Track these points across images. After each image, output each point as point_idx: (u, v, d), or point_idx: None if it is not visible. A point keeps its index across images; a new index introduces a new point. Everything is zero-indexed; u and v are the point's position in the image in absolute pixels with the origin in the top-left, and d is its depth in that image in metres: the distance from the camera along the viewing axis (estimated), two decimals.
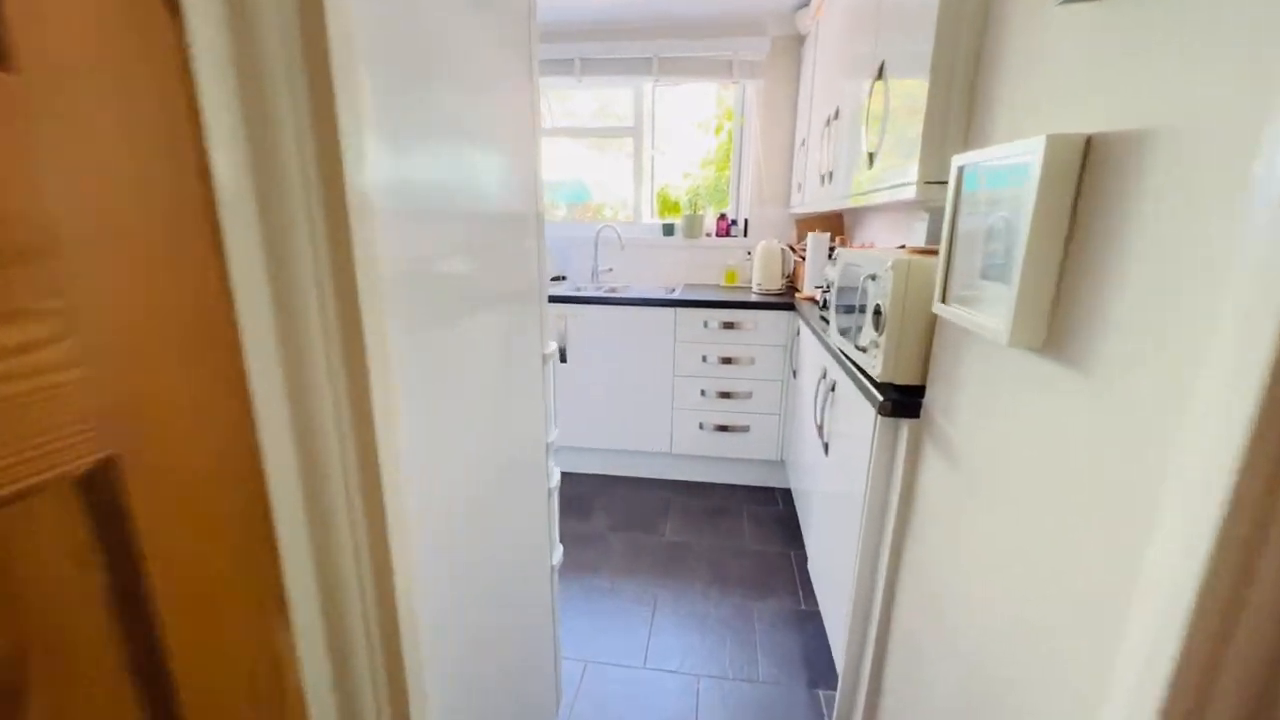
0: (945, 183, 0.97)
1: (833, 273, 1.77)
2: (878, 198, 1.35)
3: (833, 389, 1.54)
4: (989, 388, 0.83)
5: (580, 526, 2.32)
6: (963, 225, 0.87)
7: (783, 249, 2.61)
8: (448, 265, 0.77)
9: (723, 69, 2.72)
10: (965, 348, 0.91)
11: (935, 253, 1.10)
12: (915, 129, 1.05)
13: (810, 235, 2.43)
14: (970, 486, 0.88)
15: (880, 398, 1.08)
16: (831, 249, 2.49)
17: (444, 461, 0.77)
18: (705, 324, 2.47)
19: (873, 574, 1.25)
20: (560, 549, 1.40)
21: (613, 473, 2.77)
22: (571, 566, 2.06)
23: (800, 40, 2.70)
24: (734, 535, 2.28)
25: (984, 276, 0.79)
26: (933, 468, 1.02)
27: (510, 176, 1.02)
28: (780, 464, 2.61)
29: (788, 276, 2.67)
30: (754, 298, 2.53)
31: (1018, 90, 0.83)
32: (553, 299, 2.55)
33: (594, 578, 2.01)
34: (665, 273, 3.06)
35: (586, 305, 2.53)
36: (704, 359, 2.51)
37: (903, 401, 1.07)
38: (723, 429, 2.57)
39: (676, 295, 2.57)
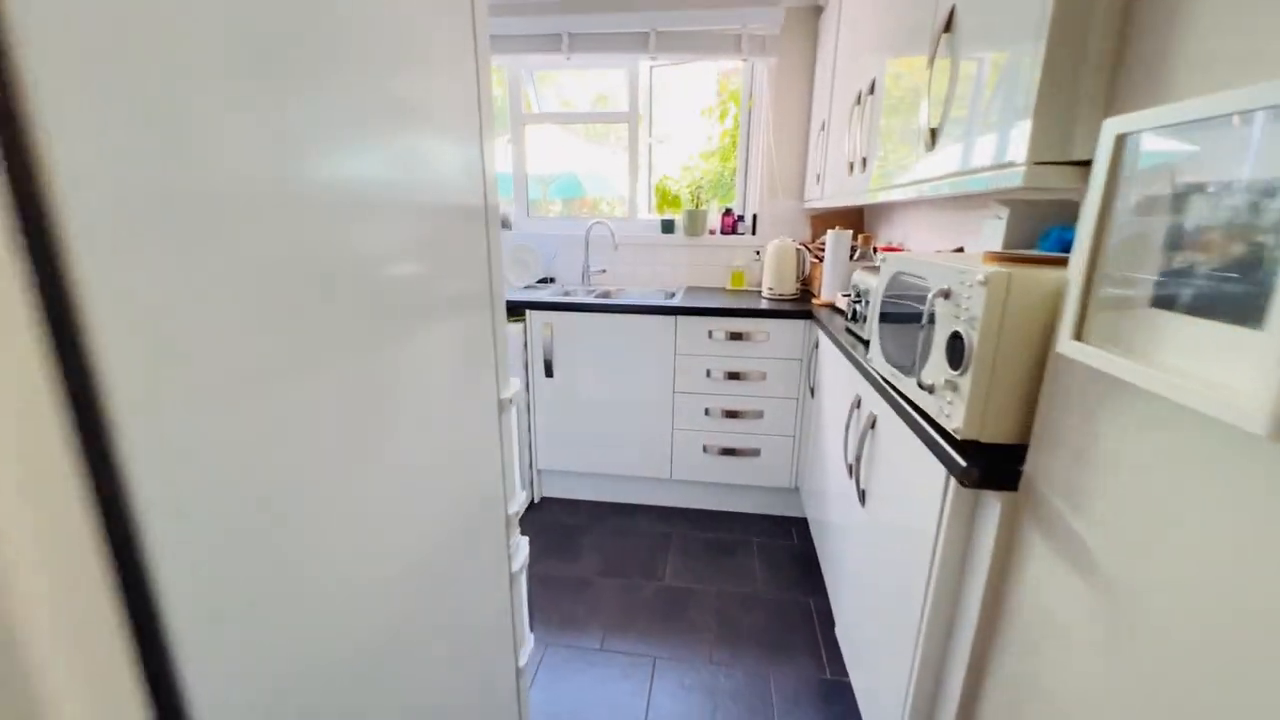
0: (1075, 163, 0.67)
1: (870, 280, 1.47)
2: (942, 187, 1.05)
3: (872, 425, 1.24)
4: (1176, 481, 0.53)
5: (566, 569, 2.02)
6: (1123, 222, 0.57)
7: (797, 248, 2.30)
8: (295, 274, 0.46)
9: (729, 44, 2.41)
10: (1114, 409, 0.61)
11: (1037, 262, 0.80)
12: (1021, 93, 0.75)
13: (830, 233, 2.12)
14: (1119, 612, 0.58)
15: (961, 462, 0.78)
16: (854, 249, 2.19)
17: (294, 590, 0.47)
18: (710, 334, 2.16)
19: (937, 681, 0.95)
20: (530, 641, 1.10)
21: (605, 499, 2.48)
22: (555, 621, 1.77)
23: (818, 10, 2.39)
24: (744, 578, 1.98)
25: (1187, 307, 0.49)
26: (1044, 566, 0.72)
27: (441, 160, 0.72)
28: (794, 491, 2.32)
29: (803, 280, 2.37)
30: (765, 304, 2.23)
31: (1223, 24, 0.53)
32: (535, 305, 2.24)
33: (581, 635, 1.72)
34: (664, 274, 2.76)
35: (574, 313, 2.22)
36: (708, 374, 2.21)
37: (993, 470, 0.77)
38: (729, 452, 2.27)
39: (677, 301, 2.27)
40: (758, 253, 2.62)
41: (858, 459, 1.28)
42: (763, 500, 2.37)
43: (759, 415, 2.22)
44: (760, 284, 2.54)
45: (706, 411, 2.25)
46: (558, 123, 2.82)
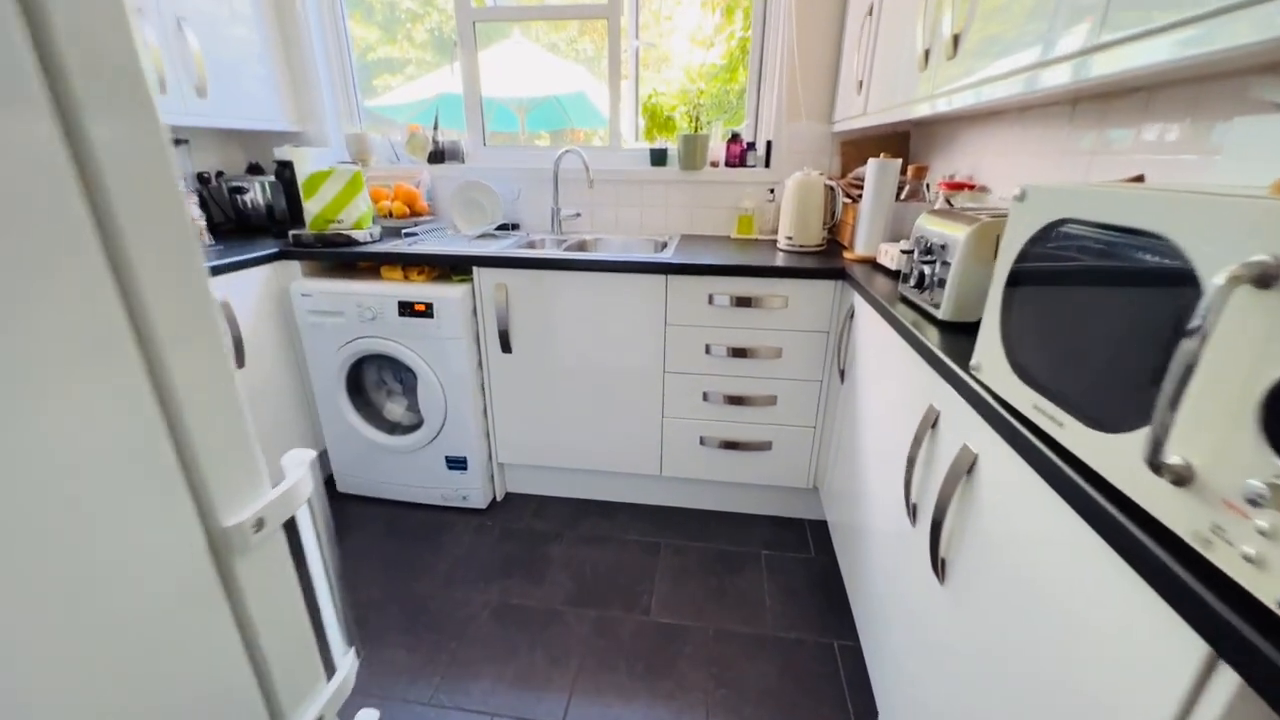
0: None
1: (950, 232, 0.97)
2: (1138, 54, 0.53)
3: (969, 470, 0.77)
4: None
5: (529, 594, 1.62)
6: None
7: (827, 185, 1.76)
8: None
9: None
10: None
11: None
12: None
13: (872, 163, 1.58)
14: None
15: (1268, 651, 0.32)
16: (902, 185, 1.65)
17: None
18: (710, 299, 1.66)
19: None
20: None
21: (582, 495, 2.05)
22: (508, 678, 1.37)
23: None
24: (750, 608, 1.57)
25: None
26: None
27: None
28: (812, 491, 1.88)
29: (832, 226, 1.84)
30: (781, 259, 1.72)
31: None
32: (483, 261, 1.73)
33: (540, 699, 1.32)
34: (654, 219, 2.22)
35: (535, 270, 1.71)
36: (707, 349, 1.72)
37: None
38: (732, 446, 1.82)
39: (669, 255, 1.75)
40: (772, 191, 2.08)
41: (938, 516, 0.82)
42: (773, 500, 1.94)
43: (771, 401, 1.76)
44: (775, 232, 2.01)
45: (705, 396, 1.78)
46: (514, 19, 2.20)
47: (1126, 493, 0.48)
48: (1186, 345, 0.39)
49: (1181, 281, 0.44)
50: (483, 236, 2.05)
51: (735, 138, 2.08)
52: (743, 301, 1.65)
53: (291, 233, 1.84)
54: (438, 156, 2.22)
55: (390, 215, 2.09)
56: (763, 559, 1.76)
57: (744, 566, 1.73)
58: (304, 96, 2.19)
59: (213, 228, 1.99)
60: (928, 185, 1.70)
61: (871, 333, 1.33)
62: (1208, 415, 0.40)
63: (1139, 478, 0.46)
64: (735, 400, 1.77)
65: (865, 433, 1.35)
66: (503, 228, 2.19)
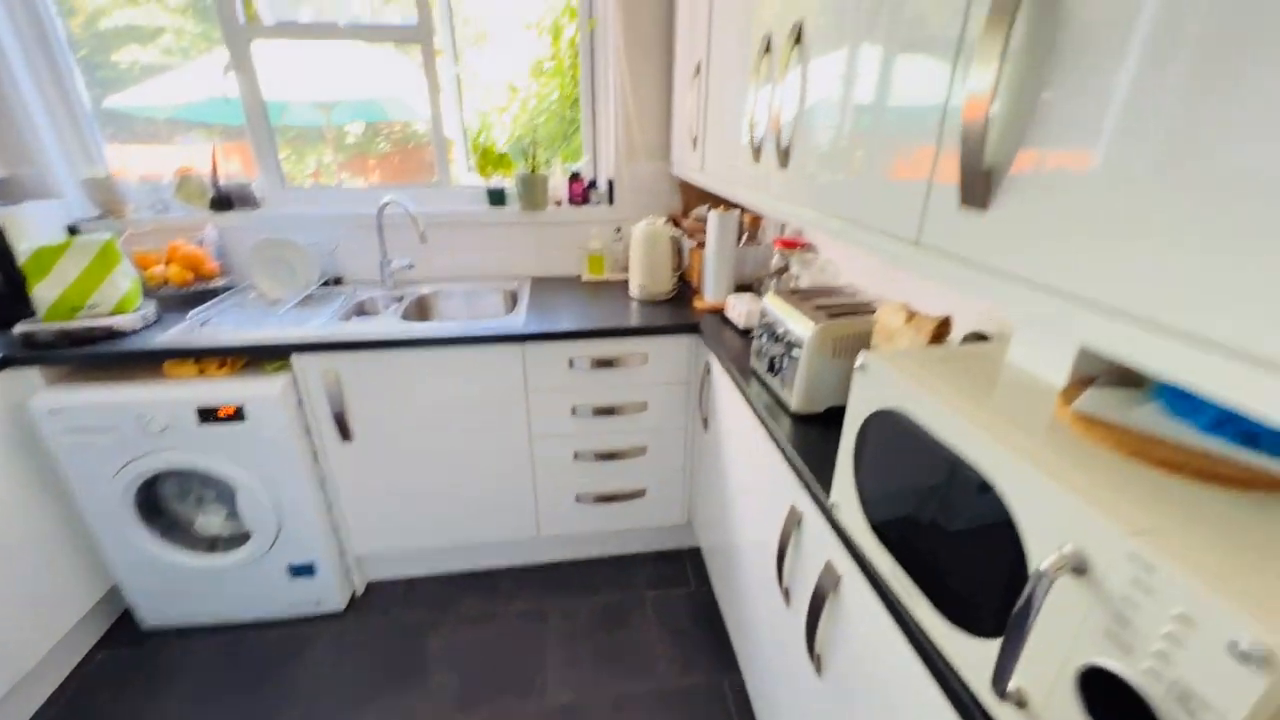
0: None
1: (798, 327, 1.03)
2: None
3: (836, 586, 0.84)
4: None
5: (408, 709, 1.48)
6: None
7: (673, 237, 1.79)
8: None
9: None
10: None
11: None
12: None
13: (713, 216, 1.63)
14: None
15: None
16: (742, 231, 1.74)
17: None
18: (570, 363, 1.62)
19: None
20: None
21: (455, 569, 1.92)
22: None
23: None
24: (644, 659, 1.61)
25: None
26: None
27: None
28: (686, 526, 1.97)
29: (682, 271, 1.88)
30: (635, 311, 1.72)
31: None
32: (304, 347, 1.49)
33: None
34: (499, 261, 2.08)
35: (368, 351, 1.52)
36: (573, 411, 1.68)
37: None
38: (608, 499, 1.83)
39: (520, 320, 1.66)
40: (619, 230, 2.06)
41: (811, 618, 0.89)
42: (651, 537, 1.99)
43: (641, 451, 1.78)
44: (625, 269, 2.01)
45: (575, 455, 1.75)
46: (299, 37, 1.88)
47: (974, 691, 0.55)
48: (1020, 608, 0.45)
49: (1011, 538, 0.50)
50: (300, 304, 1.76)
51: (576, 177, 2.02)
52: (603, 363, 1.63)
53: (19, 329, 1.41)
54: (222, 203, 1.84)
55: (168, 284, 1.70)
56: (648, 602, 1.81)
57: (631, 614, 1.76)
58: (7, 128, 1.66)
59: None
60: (756, 231, 1.80)
61: (730, 398, 1.39)
62: (1042, 659, 0.47)
63: (985, 684, 0.52)
64: (607, 456, 1.76)
65: (732, 480, 1.42)
66: (328, 283, 1.90)
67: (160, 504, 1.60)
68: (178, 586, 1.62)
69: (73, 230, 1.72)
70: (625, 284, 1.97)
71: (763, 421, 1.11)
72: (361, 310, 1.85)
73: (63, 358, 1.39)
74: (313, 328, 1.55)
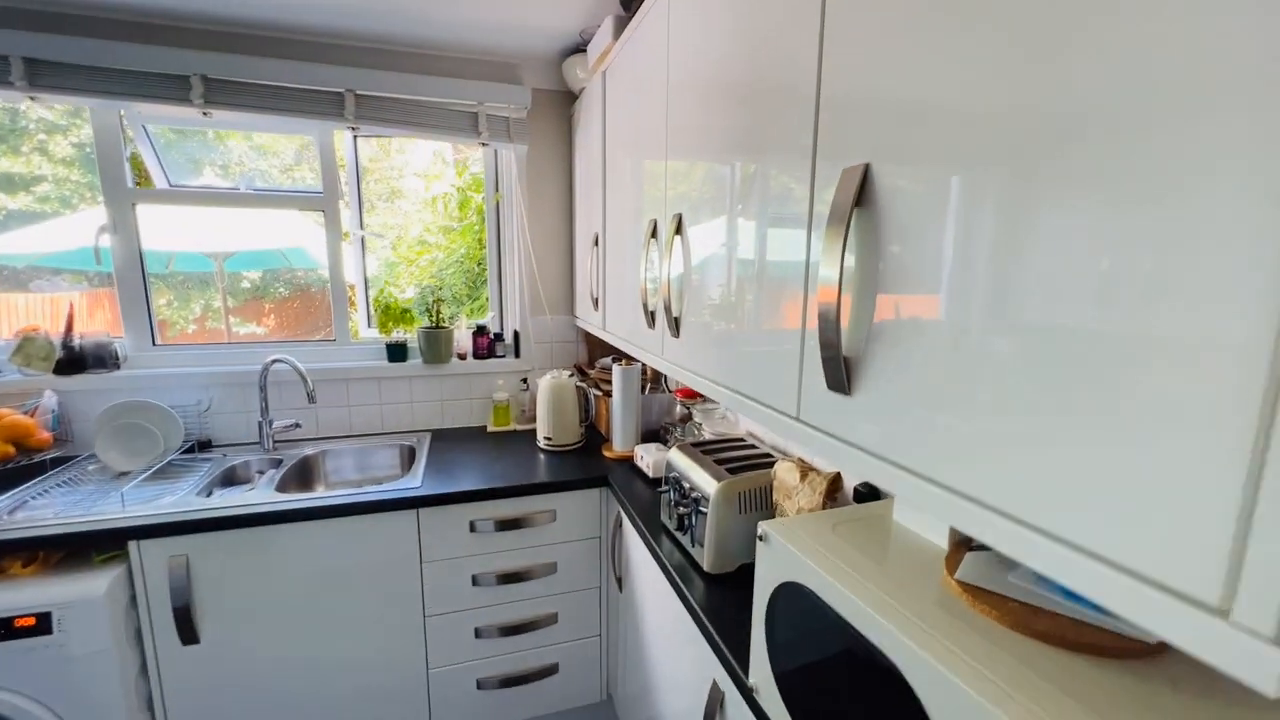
0: None
1: (703, 483, 1.03)
2: None
3: None
4: None
5: None
6: None
7: (579, 387, 1.81)
8: None
9: (464, 122, 1.86)
10: None
11: None
12: None
13: (617, 370, 1.69)
14: None
15: None
16: (645, 382, 1.80)
17: None
18: (472, 526, 1.50)
19: None
20: None
21: None
22: None
23: (573, 97, 2.01)
24: None
25: None
26: None
27: None
28: (606, 702, 1.76)
29: (588, 421, 1.88)
30: (543, 465, 1.67)
31: None
32: (144, 531, 1.27)
33: None
34: (398, 415, 1.99)
35: (229, 532, 1.32)
36: (474, 580, 1.53)
37: None
38: (515, 681, 1.61)
39: (416, 482, 1.55)
40: (525, 380, 2.07)
41: None
42: None
43: (552, 620, 1.62)
44: (533, 419, 1.98)
45: (477, 633, 1.56)
46: (194, 204, 1.86)
47: None
48: None
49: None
50: (155, 475, 1.53)
51: (482, 330, 2.04)
52: (508, 524, 1.53)
53: None
54: (73, 365, 1.65)
55: None
56: None
57: None
58: None
59: None
60: (660, 378, 1.88)
61: (643, 557, 1.33)
62: None
63: None
64: (513, 629, 1.58)
65: (652, 647, 1.30)
66: (189, 452, 1.69)
67: None
68: None
69: None
70: (532, 434, 1.93)
71: (676, 586, 1.06)
72: (231, 479, 1.65)
73: None
74: (161, 505, 1.34)
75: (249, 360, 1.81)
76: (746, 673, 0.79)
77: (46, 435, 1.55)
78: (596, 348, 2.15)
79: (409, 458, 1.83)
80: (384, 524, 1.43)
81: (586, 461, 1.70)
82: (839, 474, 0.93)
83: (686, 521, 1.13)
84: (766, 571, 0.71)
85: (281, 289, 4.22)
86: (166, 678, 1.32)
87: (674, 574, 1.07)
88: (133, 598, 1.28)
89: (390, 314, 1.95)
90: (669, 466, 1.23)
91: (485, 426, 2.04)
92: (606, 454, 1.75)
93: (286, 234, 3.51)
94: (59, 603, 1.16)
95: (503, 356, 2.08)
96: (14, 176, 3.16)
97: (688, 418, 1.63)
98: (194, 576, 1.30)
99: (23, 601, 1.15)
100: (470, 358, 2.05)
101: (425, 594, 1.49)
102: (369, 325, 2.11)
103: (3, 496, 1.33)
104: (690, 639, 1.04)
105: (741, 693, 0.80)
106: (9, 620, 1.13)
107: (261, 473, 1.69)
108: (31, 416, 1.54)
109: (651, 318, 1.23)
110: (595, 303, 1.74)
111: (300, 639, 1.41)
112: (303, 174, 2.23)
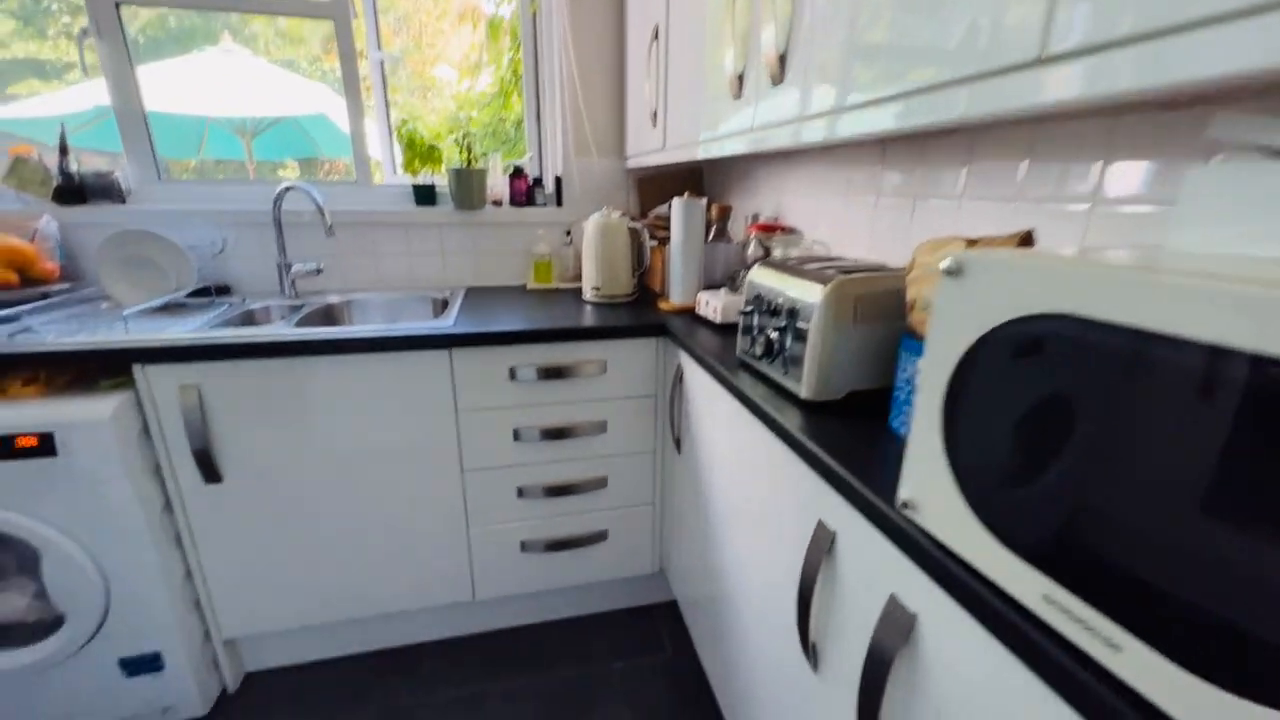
0: None
1: (805, 293, 0.78)
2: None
3: (907, 636, 0.56)
4: None
5: None
6: None
7: (632, 228, 1.55)
8: None
9: None
10: None
11: None
12: None
13: (677, 204, 1.41)
14: None
15: None
16: (709, 225, 1.52)
17: None
18: (512, 373, 1.31)
19: None
20: None
21: (366, 649, 1.50)
22: None
23: None
24: None
25: None
26: None
27: None
28: (658, 574, 1.63)
29: (641, 273, 1.64)
30: (591, 316, 1.45)
31: None
32: (147, 354, 1.13)
33: None
34: (428, 269, 1.79)
35: (241, 362, 1.17)
36: (516, 435, 1.36)
37: None
38: (561, 545, 1.48)
39: (449, 321, 1.36)
40: (568, 233, 1.81)
41: (867, 690, 0.60)
42: (615, 593, 1.64)
43: (600, 484, 1.46)
44: (578, 278, 1.75)
45: (520, 492, 1.42)
46: (181, 6, 1.60)
47: None
48: None
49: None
50: (165, 309, 1.39)
51: (519, 173, 1.78)
52: (553, 373, 1.33)
53: None
54: (73, 194, 1.48)
55: None
56: (615, 677, 1.44)
57: (596, 695, 1.39)
58: None
59: None
60: (725, 225, 1.60)
61: (711, 402, 1.12)
62: None
63: None
64: (559, 490, 1.43)
65: (718, 509, 1.12)
66: (202, 292, 1.54)
67: None
68: None
69: None
70: (577, 292, 1.71)
71: (763, 418, 0.84)
72: (249, 321, 1.50)
73: None
74: (167, 334, 1.19)
75: (266, 200, 1.61)
76: (879, 495, 0.57)
77: (52, 266, 1.42)
78: (651, 197, 1.86)
79: (440, 309, 1.64)
80: (414, 364, 1.25)
81: (640, 313, 1.47)
82: (1029, 232, 0.65)
83: (776, 346, 0.89)
84: (954, 329, 0.46)
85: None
86: (192, 514, 1.23)
87: (759, 406, 0.85)
88: (145, 429, 1.16)
89: (416, 150, 1.70)
90: (751, 288, 0.98)
91: (524, 285, 1.82)
92: (663, 306, 1.51)
93: (306, 100, 3.26)
94: (61, 423, 1.04)
95: (543, 205, 1.83)
96: (43, 63, 2.96)
97: (765, 256, 1.35)
98: (208, 410, 1.17)
99: (24, 421, 1.03)
100: (507, 204, 1.80)
101: (462, 447, 1.34)
102: (395, 171, 1.87)
103: (10, 311, 1.21)
104: (778, 483, 0.83)
105: (872, 518, 0.58)
106: (9, 439, 1.02)
107: (283, 318, 1.53)
108: (32, 245, 1.40)
109: (739, 82, 0.93)
110: (653, 119, 1.44)
111: (330, 487, 1.29)
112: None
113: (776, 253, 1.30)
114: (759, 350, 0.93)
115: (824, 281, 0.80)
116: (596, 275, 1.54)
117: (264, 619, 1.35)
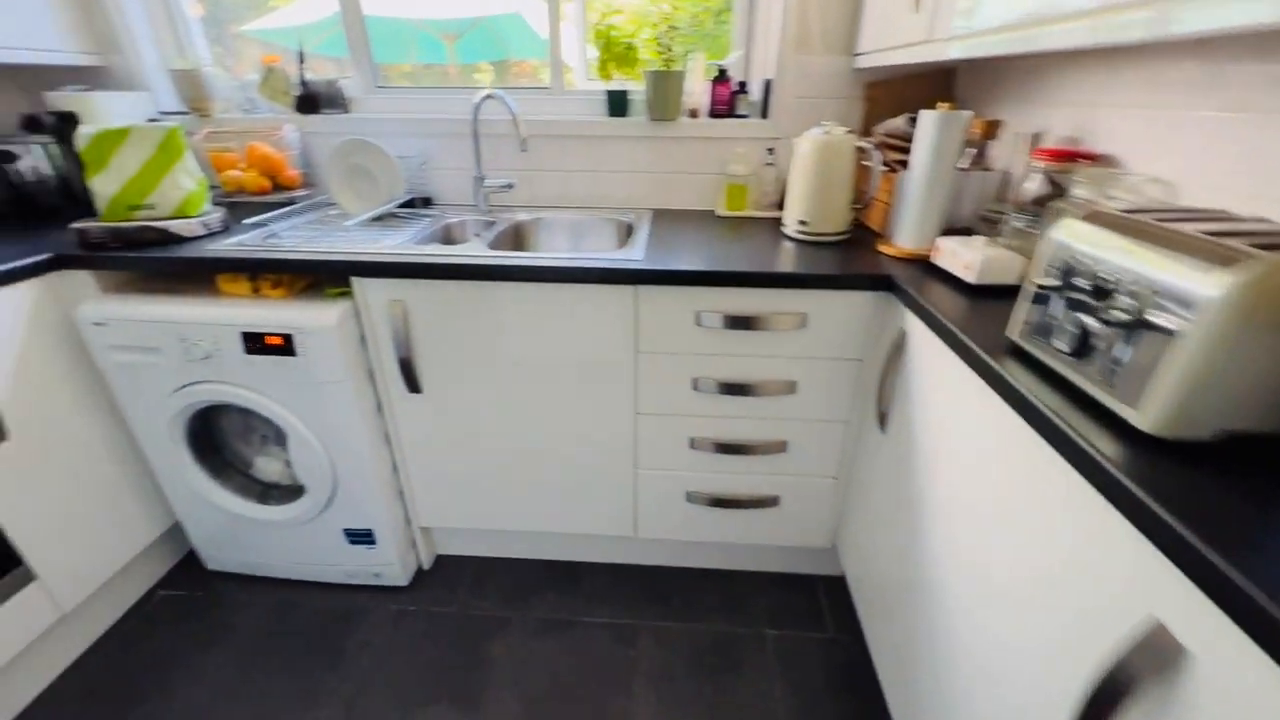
0: None
1: (1146, 263, 0.48)
2: None
3: None
4: None
5: None
6: None
7: (860, 147, 1.25)
8: None
9: None
10: None
11: None
12: None
13: (930, 117, 1.08)
14: None
15: None
16: (977, 148, 1.18)
17: None
18: (698, 318, 1.17)
19: None
20: None
21: (533, 556, 1.60)
22: None
23: None
24: None
25: None
26: None
27: None
28: (829, 551, 1.48)
29: (861, 205, 1.34)
30: (794, 256, 1.23)
31: None
32: (364, 268, 1.17)
33: None
34: (614, 186, 1.67)
35: (442, 282, 1.18)
36: (695, 384, 1.25)
37: None
38: (727, 504, 1.39)
39: (638, 254, 1.23)
40: (771, 150, 1.55)
41: None
42: (777, 557, 1.54)
43: (779, 448, 1.31)
44: (778, 205, 1.51)
45: (692, 443, 1.32)
46: None
47: None
48: None
49: None
50: (378, 220, 1.47)
51: (722, 76, 1.53)
52: (741, 321, 1.17)
53: (76, 225, 1.23)
54: (309, 103, 1.59)
55: (242, 191, 1.48)
56: (769, 644, 1.37)
57: (745, 658, 1.34)
58: (98, 13, 1.50)
59: None
60: (984, 148, 1.21)
61: (949, 387, 0.87)
62: None
63: None
64: (732, 449, 1.32)
65: (938, 509, 0.92)
66: (409, 204, 1.60)
67: (217, 439, 1.41)
68: (234, 533, 1.45)
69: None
70: (775, 223, 1.48)
71: (1063, 443, 0.60)
72: (448, 236, 1.54)
73: (109, 261, 1.19)
74: (379, 247, 1.24)
75: (464, 108, 1.59)
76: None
77: (295, 173, 1.55)
78: (879, 109, 1.50)
79: (625, 235, 1.54)
80: (599, 296, 1.17)
81: (853, 257, 1.21)
82: None
83: (1099, 345, 0.62)
84: None
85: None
86: (398, 418, 1.34)
87: (1062, 429, 0.60)
88: (361, 338, 1.25)
89: (611, 51, 1.53)
90: (1059, 250, 0.69)
91: (714, 211, 1.63)
92: (885, 250, 1.23)
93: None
94: (296, 327, 1.15)
95: (745, 116, 1.57)
96: None
97: (1054, 196, 0.99)
98: (411, 324, 1.22)
99: (270, 320, 1.16)
100: (704, 115, 1.58)
101: (639, 387, 1.27)
102: (587, 76, 1.73)
103: (251, 225, 1.35)
104: (1065, 534, 0.60)
105: (1270, 648, 0.36)
106: (262, 336, 1.16)
107: (477, 235, 1.54)
108: (280, 153, 1.53)
109: None
110: (917, 2, 1.08)
111: (512, 409, 1.31)
112: None
113: (1078, 192, 0.94)
114: (1065, 345, 0.66)
115: (1225, 262, 0.51)
116: (805, 206, 1.29)
117: (451, 516, 1.48)
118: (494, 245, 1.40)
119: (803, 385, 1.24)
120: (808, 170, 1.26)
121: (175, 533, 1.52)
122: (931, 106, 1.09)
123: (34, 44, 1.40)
